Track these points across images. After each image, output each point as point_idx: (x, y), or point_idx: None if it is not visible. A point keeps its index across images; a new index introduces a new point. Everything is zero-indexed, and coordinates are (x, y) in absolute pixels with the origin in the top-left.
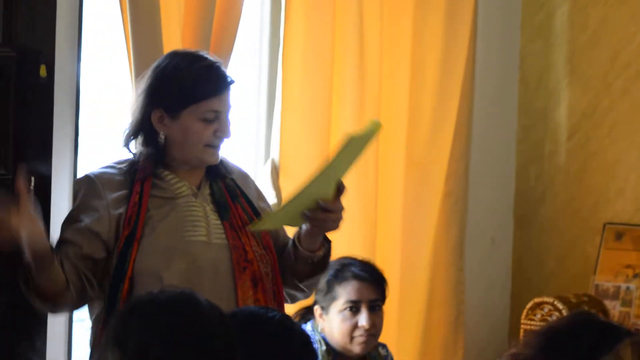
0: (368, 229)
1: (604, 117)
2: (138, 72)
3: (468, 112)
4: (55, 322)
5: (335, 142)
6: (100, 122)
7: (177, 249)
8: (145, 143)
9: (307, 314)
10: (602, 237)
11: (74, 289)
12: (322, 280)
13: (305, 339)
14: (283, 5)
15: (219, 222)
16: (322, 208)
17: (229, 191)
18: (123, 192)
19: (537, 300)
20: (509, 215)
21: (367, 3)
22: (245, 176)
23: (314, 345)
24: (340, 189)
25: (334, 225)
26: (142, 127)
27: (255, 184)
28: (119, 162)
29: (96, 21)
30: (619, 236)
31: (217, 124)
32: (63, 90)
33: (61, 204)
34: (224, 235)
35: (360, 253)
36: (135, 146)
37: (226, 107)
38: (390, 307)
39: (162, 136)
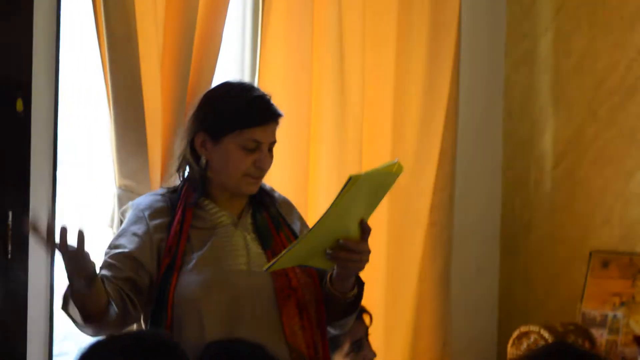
0: None
1: (590, 145)
2: (115, 102)
3: (452, 141)
4: (34, 358)
5: (313, 162)
6: (79, 155)
7: (216, 279)
8: (188, 170)
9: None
10: (588, 265)
11: (117, 307)
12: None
13: None
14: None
15: (260, 251)
16: (343, 247)
17: (272, 221)
18: (165, 220)
19: (523, 329)
20: (494, 244)
21: (347, 29)
22: (289, 206)
23: None
24: (364, 230)
25: (357, 266)
26: (186, 152)
27: (300, 214)
28: (164, 190)
29: (73, 53)
30: (605, 264)
31: (257, 154)
32: (40, 123)
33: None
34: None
35: None
36: (178, 172)
37: (269, 139)
38: (376, 338)
39: (203, 161)
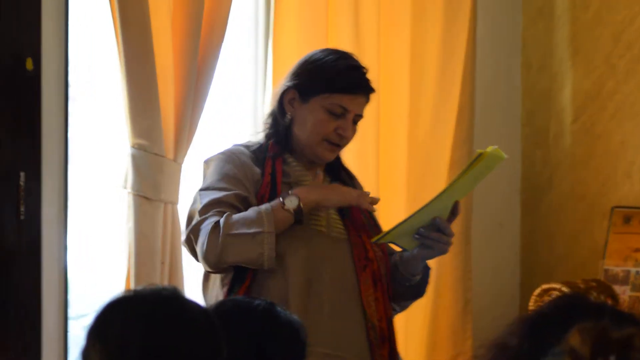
0: None
1: (609, 99)
2: (127, 63)
3: (470, 97)
4: (49, 320)
5: None
6: (91, 113)
7: (299, 235)
8: (273, 124)
9: None
10: (610, 221)
11: None
12: None
13: (293, 327)
14: None
15: (337, 217)
16: (436, 227)
17: None
18: (256, 169)
19: (544, 286)
20: (516, 200)
21: None
22: (361, 186)
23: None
24: (454, 211)
25: (444, 248)
26: (275, 107)
27: None
28: (245, 145)
29: (84, 13)
30: (627, 219)
31: (341, 122)
32: (51, 82)
33: (52, 198)
34: (343, 231)
35: None
36: (264, 129)
37: (357, 110)
38: None
39: (288, 117)
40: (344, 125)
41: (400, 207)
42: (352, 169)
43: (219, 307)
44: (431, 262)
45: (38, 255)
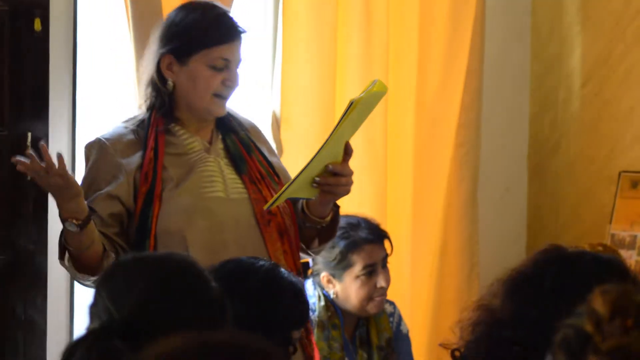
0: (378, 182)
1: (618, 64)
2: (136, 25)
3: (478, 60)
4: (55, 279)
5: (340, 93)
6: (99, 76)
7: (197, 207)
8: (154, 93)
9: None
10: (617, 186)
11: (113, 253)
12: (334, 251)
13: (296, 288)
14: None
15: (234, 176)
16: (332, 173)
17: (243, 145)
18: (136, 150)
19: None
20: (522, 164)
21: None
22: (257, 129)
23: (311, 300)
24: (347, 151)
25: (345, 189)
26: (152, 76)
27: (265, 137)
28: (127, 120)
29: None
30: (634, 184)
31: (226, 73)
32: (59, 44)
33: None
34: (243, 190)
35: (371, 206)
36: (145, 100)
37: (236, 57)
38: (402, 261)
39: (170, 84)
40: (230, 76)
41: (408, 171)
42: (359, 132)
43: (222, 267)
44: (438, 227)
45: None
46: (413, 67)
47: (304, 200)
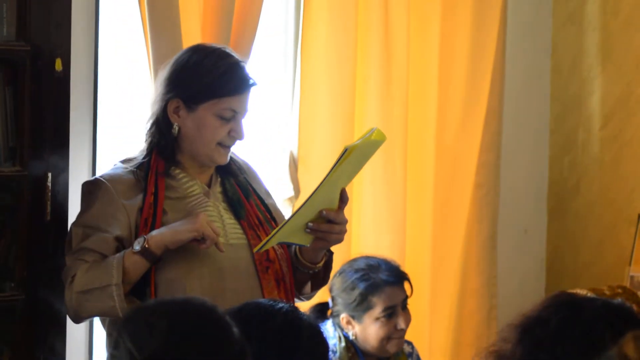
0: (398, 222)
1: (638, 105)
2: (157, 65)
3: (499, 100)
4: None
5: (358, 134)
6: (120, 116)
7: (196, 254)
8: (158, 135)
9: (323, 309)
10: (637, 227)
11: None
12: (353, 293)
13: (314, 330)
14: None
15: (233, 221)
16: (326, 219)
17: (242, 189)
18: (136, 192)
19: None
20: (542, 206)
21: None
22: (253, 172)
23: (331, 342)
24: (343, 199)
25: (338, 238)
26: (158, 118)
27: (259, 177)
28: (126, 161)
29: (113, 14)
30: None
31: (233, 124)
32: (80, 84)
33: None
34: (242, 235)
35: (390, 247)
36: (146, 139)
37: (244, 108)
38: (421, 302)
39: (175, 128)
40: (237, 127)
41: (428, 211)
42: (379, 173)
43: (241, 310)
44: (457, 268)
45: (63, 257)
46: (433, 107)
47: (297, 247)
